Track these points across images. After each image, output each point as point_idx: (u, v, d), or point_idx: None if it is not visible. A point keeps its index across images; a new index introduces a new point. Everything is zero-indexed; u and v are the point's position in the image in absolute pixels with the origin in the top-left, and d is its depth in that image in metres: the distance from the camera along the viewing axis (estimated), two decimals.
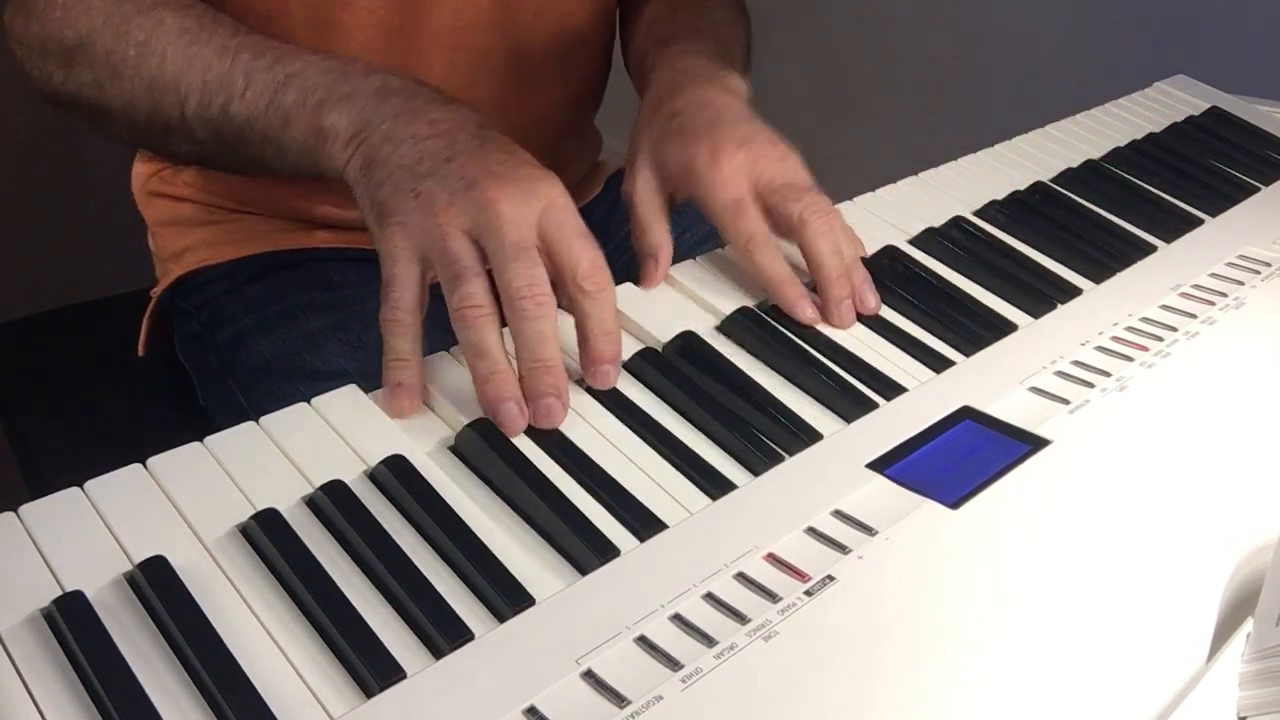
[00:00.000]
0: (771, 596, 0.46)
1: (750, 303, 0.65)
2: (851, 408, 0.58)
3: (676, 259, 0.68)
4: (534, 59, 0.84)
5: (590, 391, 0.57)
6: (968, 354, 0.63)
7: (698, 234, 0.91)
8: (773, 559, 0.48)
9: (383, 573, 0.46)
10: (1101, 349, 0.64)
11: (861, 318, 0.65)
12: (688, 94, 0.71)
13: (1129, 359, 0.63)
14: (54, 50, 0.68)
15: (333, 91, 0.60)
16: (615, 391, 0.57)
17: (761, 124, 0.69)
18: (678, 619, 0.45)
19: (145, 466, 0.49)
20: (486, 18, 0.80)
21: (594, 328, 0.56)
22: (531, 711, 0.41)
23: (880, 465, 0.54)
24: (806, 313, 0.64)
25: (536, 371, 0.53)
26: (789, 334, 0.63)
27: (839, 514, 0.51)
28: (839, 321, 0.64)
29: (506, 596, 0.46)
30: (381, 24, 0.78)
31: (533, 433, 0.54)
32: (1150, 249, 0.76)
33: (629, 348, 0.60)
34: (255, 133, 0.63)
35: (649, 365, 0.59)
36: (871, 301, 0.65)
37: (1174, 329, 0.65)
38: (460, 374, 0.57)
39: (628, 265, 0.65)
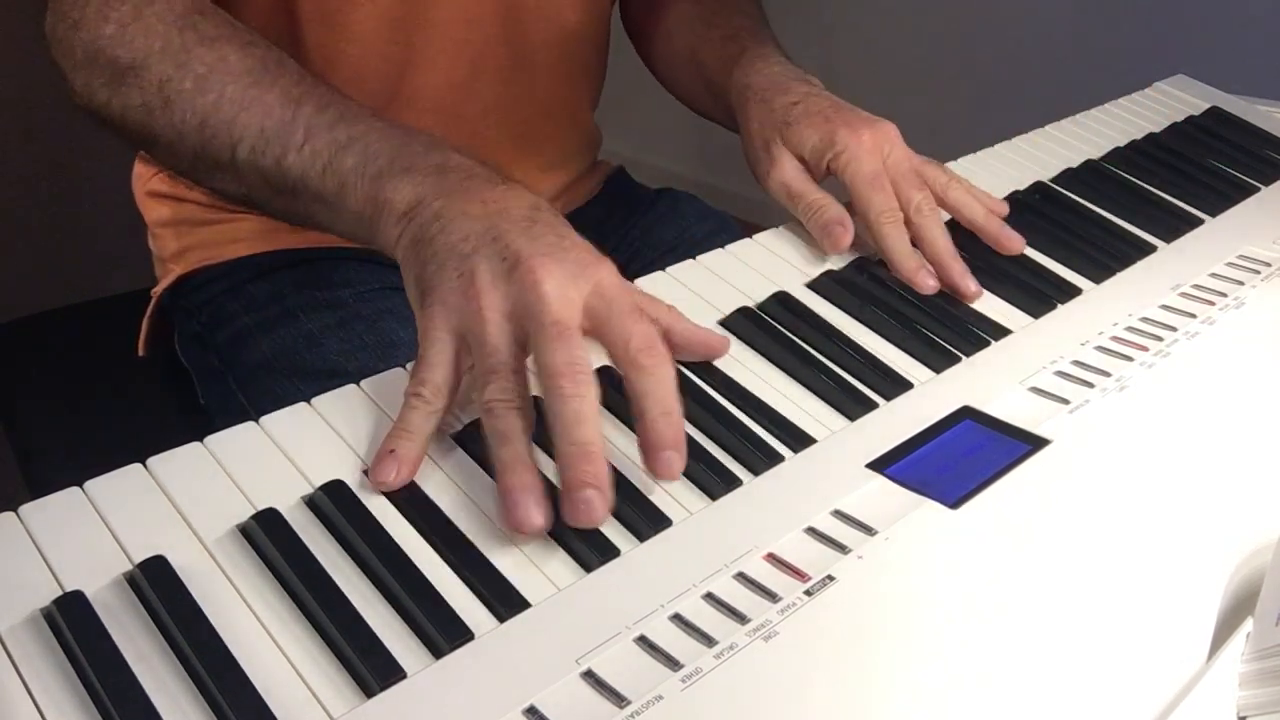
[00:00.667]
0: (771, 596, 0.46)
1: (750, 302, 0.65)
2: (852, 407, 0.58)
3: (677, 258, 0.68)
4: (534, 54, 0.85)
5: None
6: (968, 354, 0.63)
7: (699, 234, 0.91)
8: (773, 559, 0.48)
9: (383, 573, 0.46)
10: (1101, 349, 0.64)
11: (862, 318, 0.65)
12: (794, 89, 0.76)
13: (1129, 359, 0.63)
14: (102, 65, 0.66)
15: (393, 164, 0.59)
16: (612, 391, 0.57)
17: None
18: (678, 619, 0.45)
19: (145, 466, 0.49)
20: (489, 12, 0.81)
21: (651, 407, 0.51)
22: (531, 711, 0.41)
23: (880, 465, 0.54)
24: (928, 282, 0.69)
25: (573, 456, 0.48)
26: (789, 334, 0.63)
27: (839, 514, 0.51)
28: (965, 291, 0.69)
29: (506, 596, 0.46)
30: (387, 17, 0.78)
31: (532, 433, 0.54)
32: (1150, 249, 0.76)
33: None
34: (308, 191, 0.61)
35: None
36: (972, 287, 0.69)
37: (1174, 329, 0.65)
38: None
39: (626, 268, 0.65)
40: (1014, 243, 0.72)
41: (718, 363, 0.60)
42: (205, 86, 0.63)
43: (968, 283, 0.69)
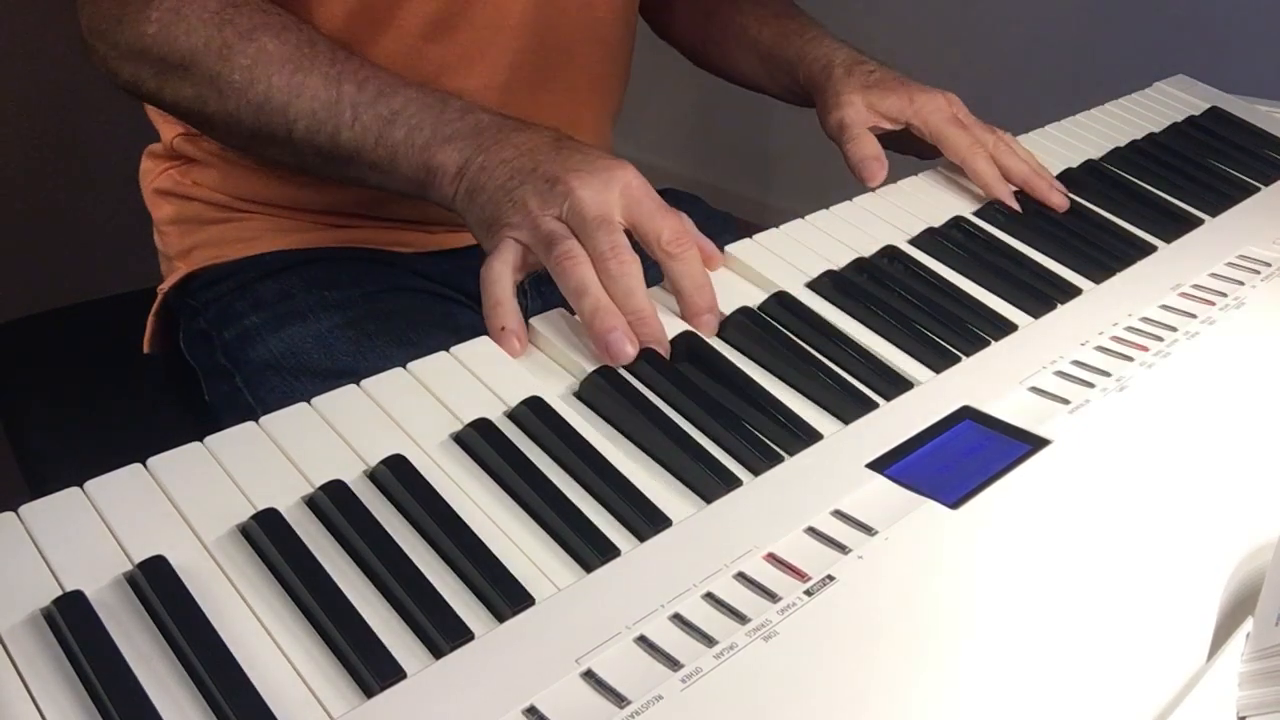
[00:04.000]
0: (771, 596, 0.46)
1: (750, 302, 0.65)
2: (852, 407, 0.58)
3: None
4: (570, 60, 0.86)
5: (588, 390, 0.57)
6: (968, 354, 0.63)
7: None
8: (773, 559, 0.48)
9: (383, 573, 0.46)
10: (1101, 349, 0.64)
11: (862, 318, 0.65)
12: (871, 63, 0.86)
13: (1129, 359, 0.63)
14: (149, 60, 0.71)
15: (437, 133, 0.67)
16: (613, 391, 0.57)
17: None
18: (678, 619, 0.45)
19: (145, 466, 0.49)
20: (527, 17, 0.82)
21: (686, 285, 0.62)
22: (531, 711, 0.41)
23: (880, 465, 0.54)
24: (1010, 199, 0.78)
25: (633, 324, 0.59)
26: (789, 334, 0.63)
27: (839, 514, 0.51)
28: (1054, 202, 0.79)
29: (506, 596, 0.46)
30: (431, 15, 0.79)
31: (533, 433, 0.54)
32: (1150, 249, 0.76)
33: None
34: (364, 160, 0.69)
35: (649, 365, 0.59)
36: (1057, 199, 0.80)
37: (1174, 329, 0.65)
38: (460, 372, 0.57)
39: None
40: (1058, 199, 0.79)
41: (718, 363, 0.60)
42: (252, 78, 0.69)
43: (1055, 196, 0.79)
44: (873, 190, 0.78)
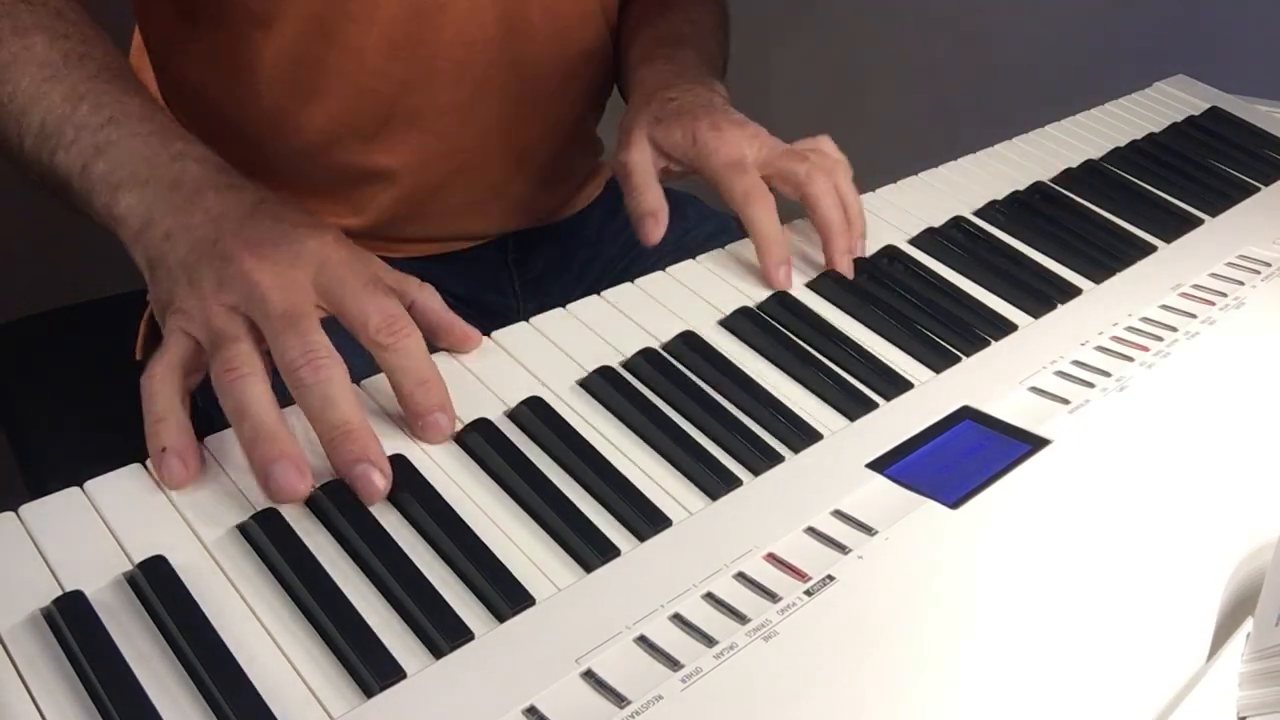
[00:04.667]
0: (771, 596, 0.46)
1: (750, 302, 0.65)
2: (851, 407, 0.58)
3: (678, 258, 0.68)
4: (539, 76, 0.85)
5: (588, 390, 0.57)
6: (968, 354, 0.63)
7: (700, 235, 0.91)
8: (773, 559, 0.48)
9: (383, 573, 0.46)
10: (1101, 349, 0.64)
11: (862, 318, 0.65)
12: (681, 86, 0.74)
13: (1129, 359, 0.63)
14: None
15: (134, 176, 0.57)
16: (613, 391, 0.57)
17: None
18: (678, 619, 0.45)
19: (145, 466, 0.49)
20: (492, 35, 0.80)
21: (405, 380, 0.52)
22: (531, 711, 0.41)
23: (880, 465, 0.54)
24: (779, 276, 0.66)
25: (335, 442, 0.49)
26: (789, 334, 0.63)
27: (839, 514, 0.51)
28: (845, 269, 0.68)
29: (506, 596, 0.46)
30: (387, 37, 0.77)
31: (533, 433, 0.54)
32: (1150, 249, 0.76)
33: (634, 345, 0.60)
34: (73, 191, 0.59)
35: (649, 365, 0.59)
36: (845, 264, 0.68)
37: (1174, 329, 0.65)
38: (459, 372, 0.57)
39: (627, 269, 0.66)
40: (845, 263, 0.68)
41: (718, 363, 0.60)
42: (5, 77, 0.61)
43: (844, 260, 0.67)
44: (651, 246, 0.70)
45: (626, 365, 0.59)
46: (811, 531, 0.50)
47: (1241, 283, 0.70)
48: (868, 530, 0.50)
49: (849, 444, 0.56)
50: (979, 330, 0.66)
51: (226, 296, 0.51)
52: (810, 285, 0.68)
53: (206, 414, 0.84)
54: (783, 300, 0.65)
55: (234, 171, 0.58)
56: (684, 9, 0.89)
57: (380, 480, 0.48)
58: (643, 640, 0.44)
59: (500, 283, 0.93)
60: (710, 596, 0.46)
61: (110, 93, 0.60)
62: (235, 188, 0.57)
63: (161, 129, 0.59)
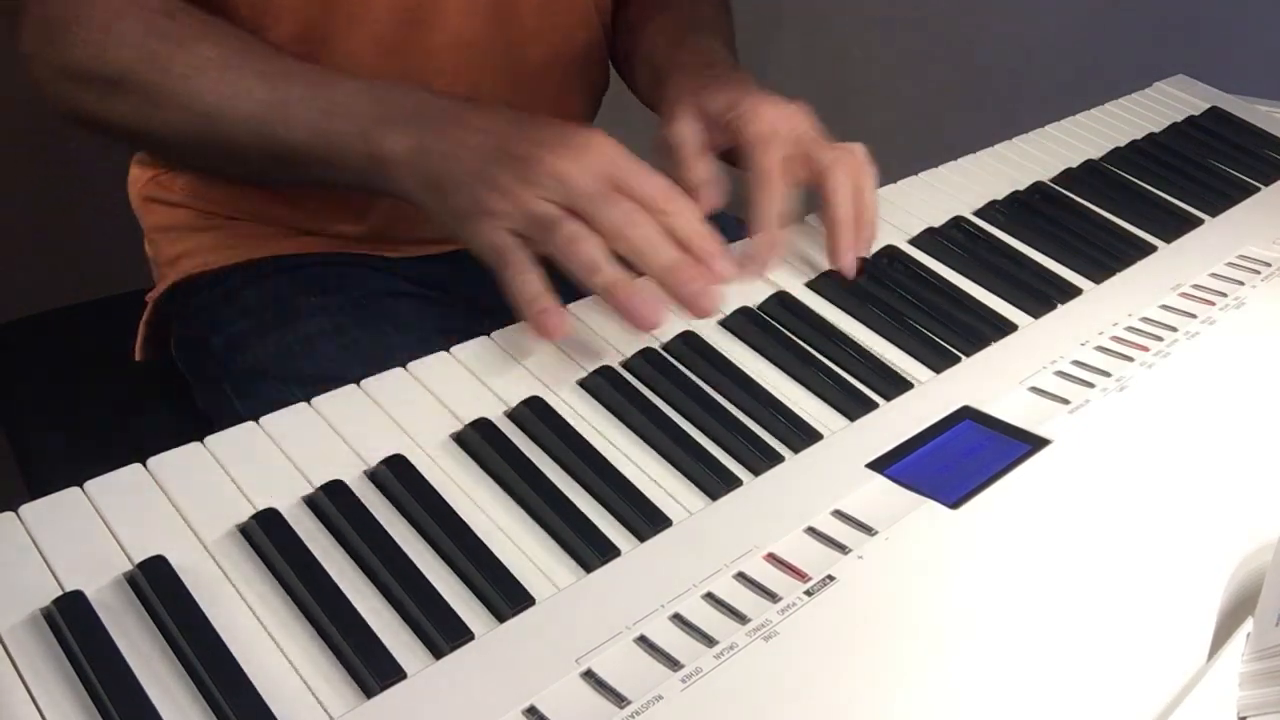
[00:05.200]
0: (771, 596, 0.46)
1: (750, 303, 0.65)
2: (852, 407, 0.58)
3: None
4: (533, 79, 0.84)
5: (588, 390, 0.57)
6: (968, 354, 0.63)
7: None
8: (773, 559, 0.48)
9: (383, 573, 0.46)
10: (1101, 349, 0.64)
11: (862, 318, 0.65)
12: (723, 67, 0.77)
13: (1129, 359, 0.63)
14: (84, 79, 0.68)
15: (380, 118, 0.63)
16: (613, 391, 0.57)
17: None
18: (678, 619, 0.45)
19: (145, 466, 0.49)
20: (486, 38, 0.80)
21: (687, 237, 0.59)
22: (531, 711, 0.41)
23: (880, 465, 0.54)
24: (749, 266, 0.67)
25: (672, 273, 0.58)
26: (789, 334, 0.63)
27: (839, 514, 0.51)
28: (845, 267, 0.68)
29: (506, 596, 0.46)
30: (381, 43, 0.77)
31: (533, 433, 0.54)
32: (1150, 249, 0.76)
33: (634, 345, 0.60)
34: (312, 158, 0.65)
35: (649, 365, 0.59)
36: (848, 262, 0.68)
37: (1174, 329, 0.65)
38: (459, 373, 0.57)
39: (628, 269, 0.65)
40: (849, 262, 0.68)
41: (718, 362, 0.60)
42: (191, 86, 0.66)
43: (848, 258, 0.67)
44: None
45: (626, 365, 0.59)
46: (811, 531, 0.50)
47: (1241, 283, 0.70)
48: (868, 530, 0.50)
49: (849, 444, 0.56)
50: (979, 330, 0.66)
51: (536, 190, 0.58)
52: (810, 285, 0.68)
53: (206, 416, 0.84)
54: (783, 300, 0.65)
55: (461, 96, 0.65)
56: (694, 5, 0.89)
57: (715, 298, 0.58)
58: (643, 640, 0.44)
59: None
60: (710, 596, 0.46)
61: (293, 63, 0.67)
62: (484, 105, 0.64)
63: (363, 80, 0.65)
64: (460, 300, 0.88)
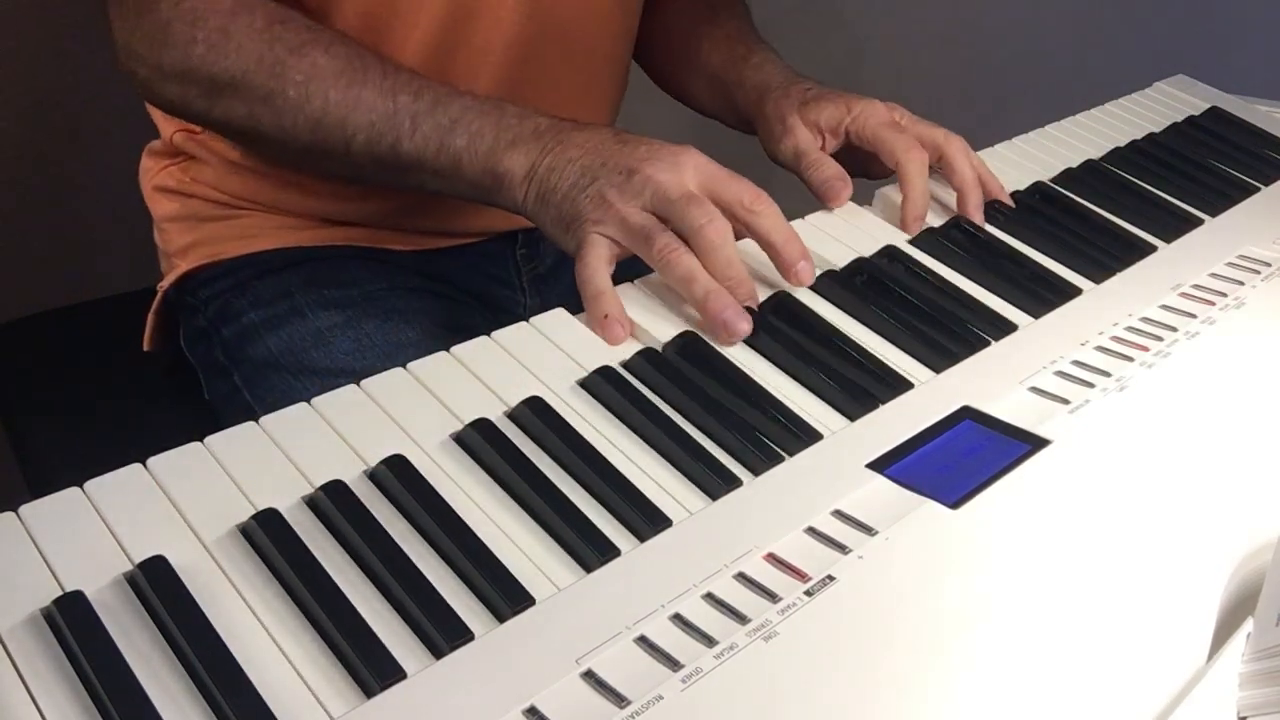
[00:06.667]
0: (771, 596, 0.46)
1: (751, 303, 0.65)
2: (851, 407, 0.58)
3: None
4: (559, 78, 0.86)
5: (588, 390, 0.57)
6: (968, 354, 0.63)
7: None
8: (773, 559, 0.48)
9: (383, 573, 0.46)
10: (1101, 349, 0.64)
11: (862, 318, 0.65)
12: (807, 82, 0.85)
13: (1129, 359, 0.63)
14: (198, 80, 0.71)
15: (500, 139, 0.68)
16: (613, 391, 0.57)
17: None
18: (678, 619, 0.45)
19: (145, 466, 0.49)
20: (525, 35, 0.82)
21: (775, 238, 0.65)
22: (531, 711, 0.41)
23: (880, 465, 0.54)
24: (972, 210, 0.76)
25: (732, 286, 0.62)
26: (790, 333, 0.63)
27: (839, 514, 0.51)
28: (976, 218, 0.76)
29: (506, 596, 0.46)
30: (428, 42, 0.79)
31: (533, 433, 0.54)
32: (1150, 249, 0.76)
33: (634, 345, 0.61)
34: (426, 169, 0.70)
35: (649, 365, 0.59)
36: (978, 215, 0.76)
37: (1174, 329, 0.65)
38: (459, 373, 0.57)
39: (632, 262, 0.66)
40: (979, 215, 0.76)
41: (718, 362, 0.60)
42: (308, 93, 0.70)
43: (978, 213, 0.75)
44: (833, 211, 0.75)
45: (626, 365, 0.59)
46: (811, 531, 0.50)
47: (1241, 283, 0.70)
48: (868, 530, 0.50)
49: (849, 444, 0.56)
50: (979, 330, 0.66)
51: (634, 200, 0.64)
52: (810, 285, 0.68)
53: (212, 410, 0.84)
54: (783, 300, 0.65)
55: (565, 118, 0.70)
56: (730, 9, 0.94)
57: (745, 324, 0.62)
58: (643, 640, 0.44)
59: (507, 277, 0.93)
60: (710, 596, 0.46)
61: (408, 77, 0.71)
62: (585, 126, 0.69)
63: (480, 99, 0.70)
64: (464, 294, 0.88)
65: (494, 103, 0.70)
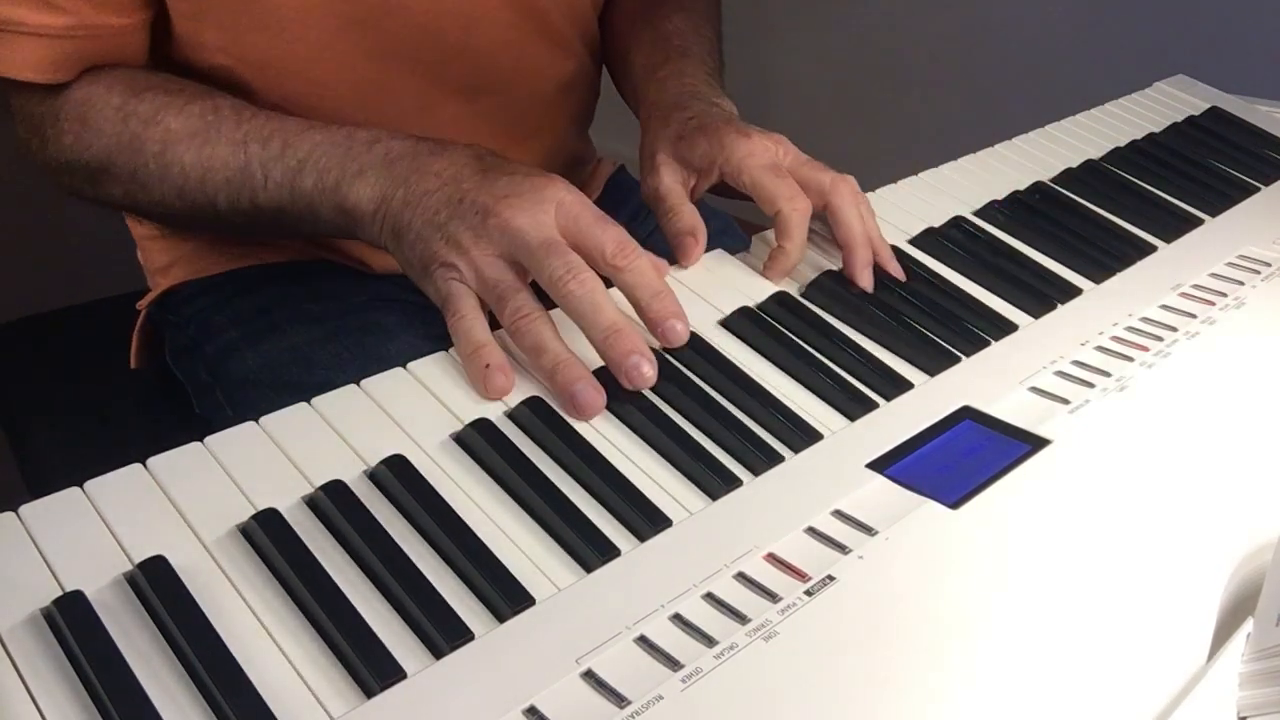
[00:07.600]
0: (771, 596, 0.46)
1: (750, 302, 0.65)
2: (851, 407, 0.58)
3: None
4: (495, 72, 0.82)
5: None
6: (968, 354, 0.63)
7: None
8: (773, 559, 0.48)
9: (383, 573, 0.46)
10: (1101, 349, 0.64)
11: (862, 318, 0.65)
12: (697, 105, 0.76)
13: (1129, 359, 0.63)
14: (76, 170, 0.71)
15: (345, 171, 0.64)
16: (612, 397, 0.57)
17: None
18: (678, 619, 0.45)
19: (145, 466, 0.49)
20: (511, 39, 0.80)
21: (642, 294, 0.59)
22: (531, 711, 0.41)
23: (880, 465, 0.54)
24: (779, 265, 0.67)
25: (609, 340, 0.57)
26: (789, 334, 0.63)
27: (839, 514, 0.51)
28: (863, 282, 0.67)
29: (506, 596, 0.46)
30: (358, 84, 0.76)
31: (533, 433, 0.54)
32: (1150, 249, 0.76)
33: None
34: (289, 216, 0.67)
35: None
36: (893, 269, 0.69)
37: (1174, 329, 0.65)
38: (459, 373, 0.57)
39: None
40: (868, 279, 0.67)
41: (718, 362, 0.60)
42: (165, 162, 0.68)
43: (866, 275, 0.67)
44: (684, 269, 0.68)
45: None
46: (811, 531, 0.50)
47: (1241, 283, 0.70)
48: (868, 530, 0.50)
49: (849, 444, 0.56)
50: (979, 330, 0.66)
51: (489, 247, 0.59)
52: (810, 285, 0.68)
53: (204, 418, 0.84)
54: (783, 300, 0.65)
55: (427, 137, 0.64)
56: (679, 5, 0.88)
57: (649, 369, 0.57)
58: (643, 640, 0.44)
59: None
60: (710, 596, 0.46)
61: (260, 123, 0.67)
62: (447, 148, 0.63)
63: (330, 128, 0.66)
64: None
65: (345, 132, 0.65)
